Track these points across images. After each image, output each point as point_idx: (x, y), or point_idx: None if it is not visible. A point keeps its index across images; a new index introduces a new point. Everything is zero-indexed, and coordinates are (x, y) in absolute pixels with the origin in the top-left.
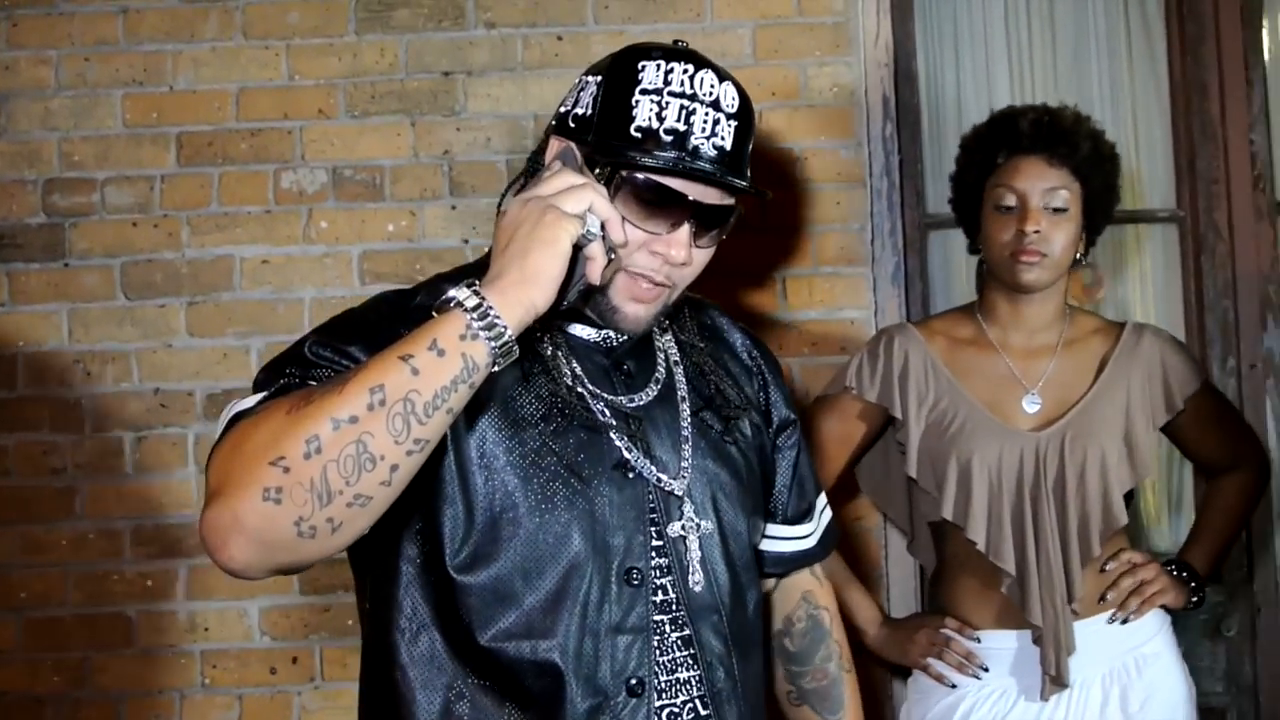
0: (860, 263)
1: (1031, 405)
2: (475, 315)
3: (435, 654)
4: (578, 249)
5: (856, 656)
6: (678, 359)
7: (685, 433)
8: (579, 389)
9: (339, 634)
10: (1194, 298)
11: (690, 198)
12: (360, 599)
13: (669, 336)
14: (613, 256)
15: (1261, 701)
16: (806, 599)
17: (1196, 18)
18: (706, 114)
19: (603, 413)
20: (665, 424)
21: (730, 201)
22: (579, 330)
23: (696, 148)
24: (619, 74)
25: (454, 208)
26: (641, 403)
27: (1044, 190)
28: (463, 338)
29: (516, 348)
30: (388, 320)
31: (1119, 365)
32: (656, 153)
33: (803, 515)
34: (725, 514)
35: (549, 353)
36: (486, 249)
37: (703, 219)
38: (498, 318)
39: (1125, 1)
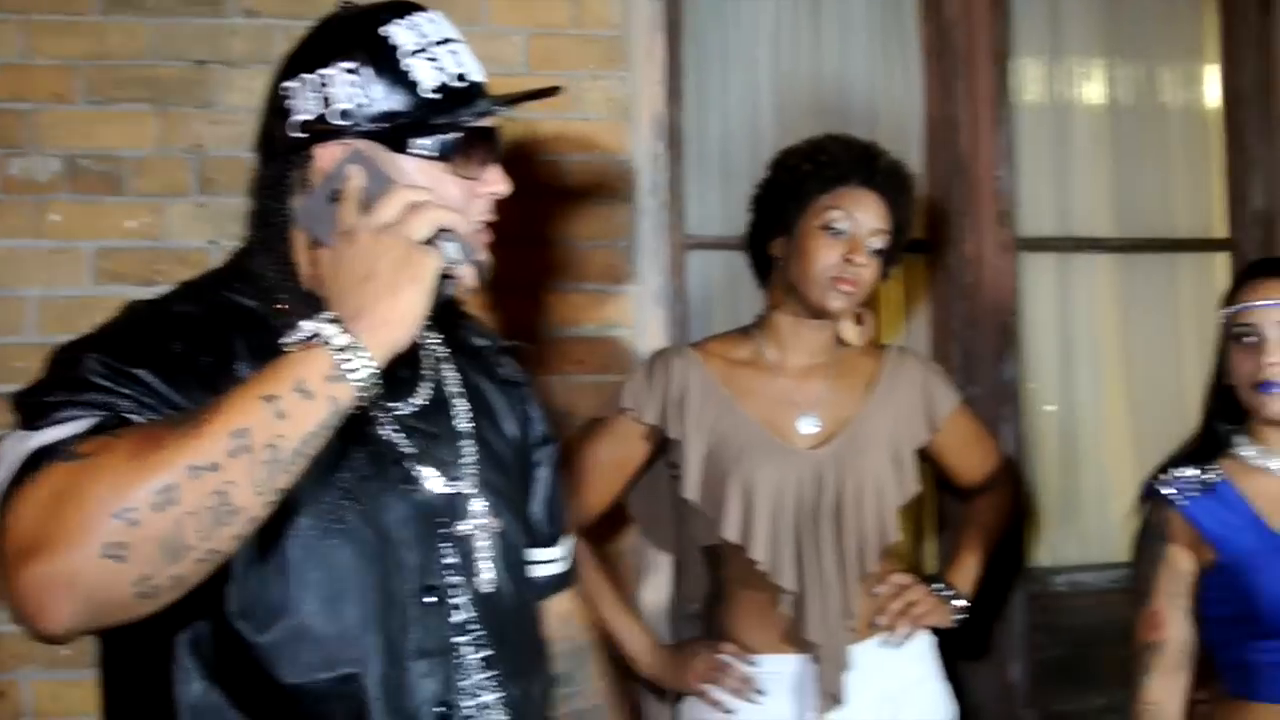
0: (626, 280)
1: (808, 426)
2: (344, 356)
3: (219, 706)
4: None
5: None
6: (445, 359)
7: (463, 439)
8: None
9: None
10: (940, 327)
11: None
12: (110, 650)
13: (434, 336)
14: (475, 263)
15: (990, 717)
16: (568, 621)
17: (952, 55)
18: (462, 48)
19: (380, 420)
20: (443, 430)
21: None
22: None
23: (476, 82)
24: (371, 50)
25: (203, 206)
26: (417, 407)
27: (874, 229)
28: (330, 379)
29: (378, 388)
30: (160, 337)
31: (886, 386)
32: (463, 105)
33: (556, 537)
34: (506, 525)
35: None
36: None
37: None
38: (369, 359)
39: (886, 37)
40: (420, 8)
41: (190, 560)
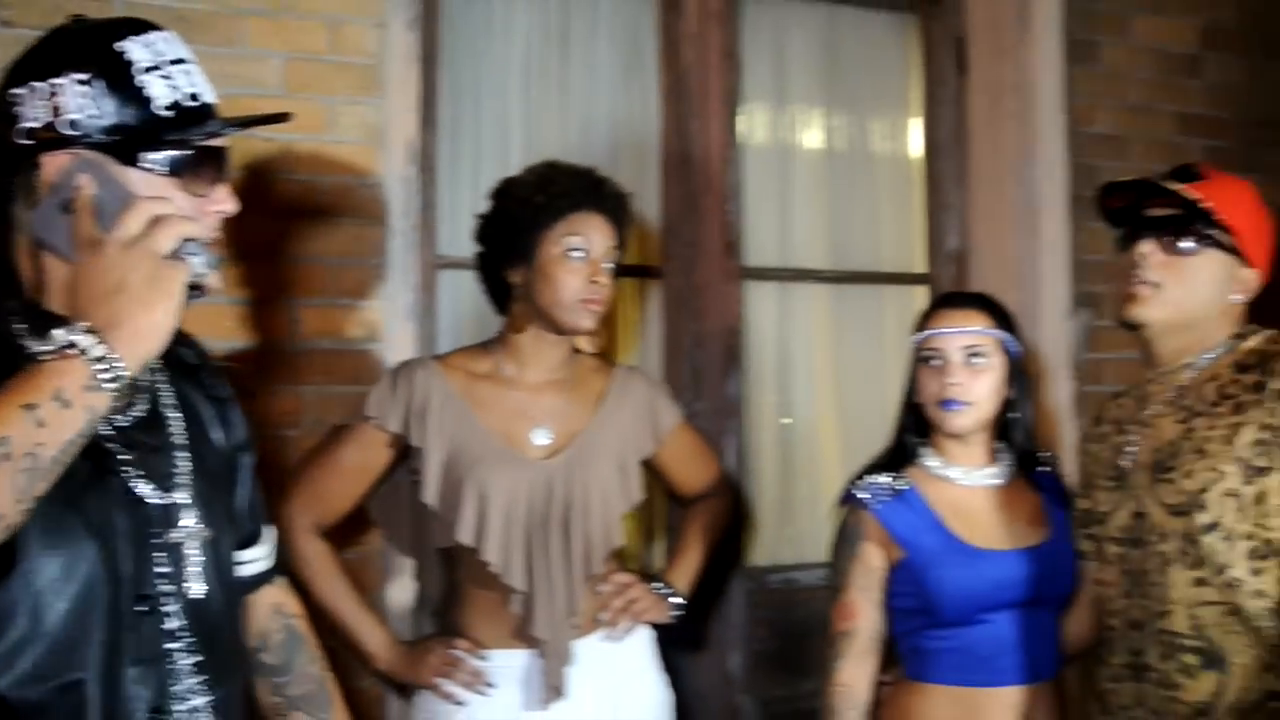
0: (376, 297)
1: (541, 437)
2: (101, 366)
3: None
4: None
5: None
6: (159, 371)
7: (177, 451)
8: None
9: None
10: (672, 346)
11: (223, 150)
12: None
13: None
14: (216, 268)
15: (711, 703)
16: (279, 611)
17: (687, 99)
18: (195, 69)
19: (101, 432)
20: (160, 442)
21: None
22: None
23: (208, 103)
24: (105, 64)
25: None
26: (134, 420)
27: (607, 248)
28: (87, 389)
29: (127, 399)
30: None
31: (614, 402)
32: (194, 124)
33: (258, 535)
34: (217, 533)
35: None
36: None
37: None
38: (124, 370)
39: (628, 78)
40: (156, 26)
41: None
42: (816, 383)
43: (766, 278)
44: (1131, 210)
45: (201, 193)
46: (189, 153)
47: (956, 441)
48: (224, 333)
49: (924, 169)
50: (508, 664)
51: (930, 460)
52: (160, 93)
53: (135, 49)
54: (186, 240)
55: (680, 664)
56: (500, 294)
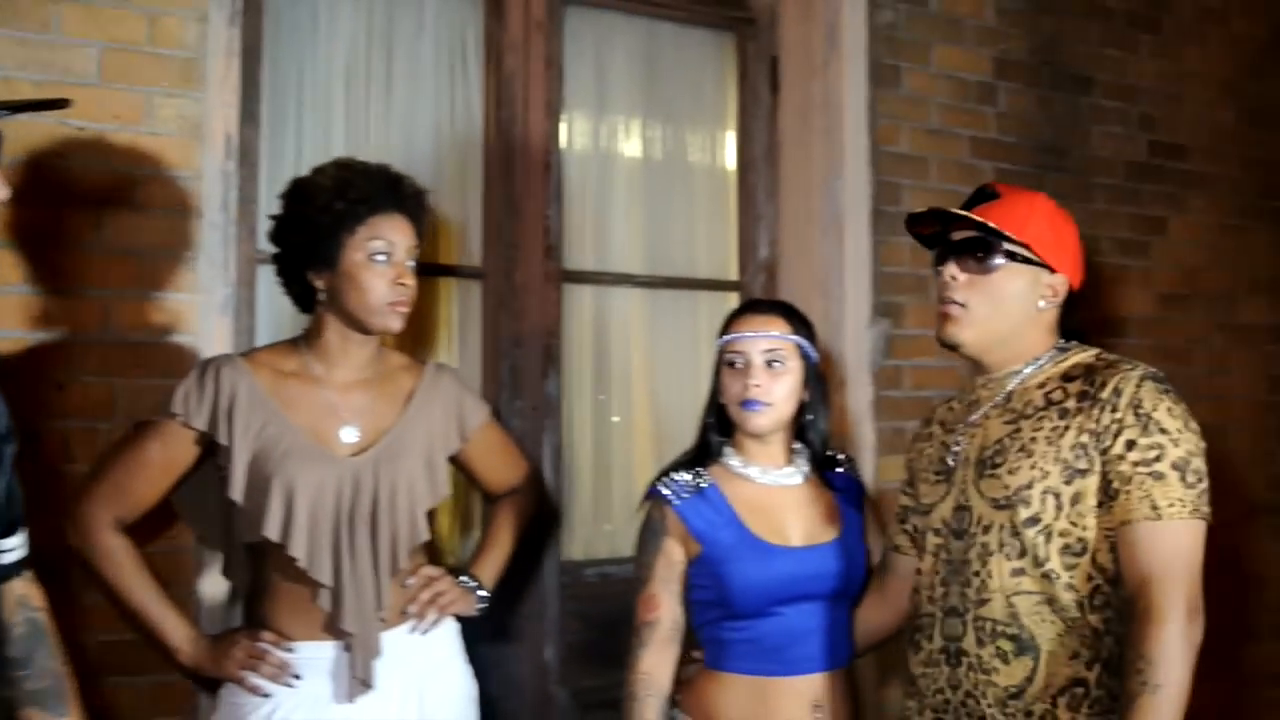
0: (191, 290)
1: (349, 434)
2: None
3: None
4: None
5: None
6: None
7: None
8: None
9: None
10: (491, 346)
11: None
12: None
13: None
14: None
15: (526, 694)
16: (24, 603)
17: (510, 105)
18: None
19: None
20: None
21: None
22: None
23: None
24: None
25: None
26: None
27: (409, 247)
28: None
29: None
30: None
31: (422, 399)
32: None
33: (12, 527)
34: None
35: None
36: None
37: None
38: None
39: (453, 82)
40: None
41: None
42: (632, 383)
43: (585, 281)
44: (940, 235)
45: None
46: None
47: (756, 441)
48: (34, 323)
49: (737, 181)
50: (315, 656)
51: (732, 459)
52: None
53: None
54: None
55: (496, 655)
56: (303, 294)
